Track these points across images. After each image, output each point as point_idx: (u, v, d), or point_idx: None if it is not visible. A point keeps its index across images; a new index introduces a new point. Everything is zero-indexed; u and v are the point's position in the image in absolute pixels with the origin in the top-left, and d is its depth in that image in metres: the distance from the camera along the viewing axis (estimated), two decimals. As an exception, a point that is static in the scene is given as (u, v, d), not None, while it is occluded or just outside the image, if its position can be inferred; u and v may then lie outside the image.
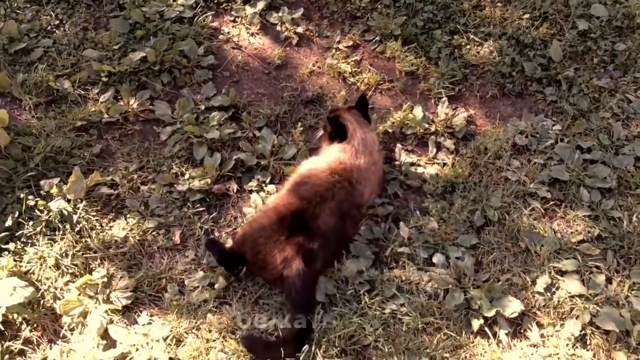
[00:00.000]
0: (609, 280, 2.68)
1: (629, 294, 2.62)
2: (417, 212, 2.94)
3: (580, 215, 2.91)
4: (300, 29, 3.73)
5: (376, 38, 3.70)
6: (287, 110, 3.37)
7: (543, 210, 2.94)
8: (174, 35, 3.53)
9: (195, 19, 3.67)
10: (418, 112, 3.33)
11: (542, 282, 2.65)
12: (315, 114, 3.36)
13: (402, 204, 3.00)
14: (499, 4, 3.82)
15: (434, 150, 3.22)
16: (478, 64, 3.59)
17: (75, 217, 2.76)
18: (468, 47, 3.66)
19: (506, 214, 2.91)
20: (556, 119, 3.33)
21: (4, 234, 2.69)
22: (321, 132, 3.14)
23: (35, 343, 2.48)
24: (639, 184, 3.01)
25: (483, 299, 2.55)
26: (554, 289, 2.65)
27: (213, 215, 2.90)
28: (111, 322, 2.52)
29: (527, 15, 3.73)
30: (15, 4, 3.63)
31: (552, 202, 2.96)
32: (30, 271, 2.64)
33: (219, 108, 3.31)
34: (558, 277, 2.68)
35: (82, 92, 3.30)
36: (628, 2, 3.82)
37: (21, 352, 2.46)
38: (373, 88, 3.52)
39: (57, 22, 3.60)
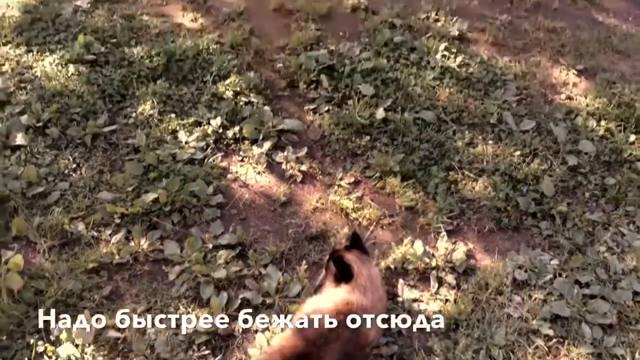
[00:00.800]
0: (618, 423, 2.65)
1: None
2: (422, 352, 2.95)
3: (583, 353, 2.92)
4: (304, 167, 3.93)
5: (376, 174, 3.89)
6: (292, 246, 3.47)
7: (547, 349, 2.95)
8: (185, 176, 3.72)
9: (206, 160, 3.89)
10: (418, 246, 3.44)
11: None
12: (319, 250, 3.47)
13: (407, 343, 3.02)
14: (490, 142, 4.06)
15: (436, 285, 3.29)
16: (474, 199, 3.75)
17: (82, 363, 2.79)
18: (464, 182, 3.84)
19: (511, 352, 2.92)
20: (553, 253, 3.43)
21: (11, 382, 2.71)
22: (323, 273, 3.23)
23: None
24: (639, 319, 3.05)
25: None
26: None
27: (218, 358, 2.92)
28: None
29: (518, 152, 3.95)
30: (36, 149, 3.86)
31: (555, 340, 2.98)
32: (35, 422, 2.63)
33: (226, 246, 3.42)
34: (567, 420, 2.65)
35: (95, 234, 3.43)
36: (614, 137, 4.06)
37: None
38: (374, 223, 3.65)
39: (75, 165, 3.81)
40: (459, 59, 4.69)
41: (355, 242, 3.19)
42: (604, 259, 3.36)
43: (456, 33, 4.92)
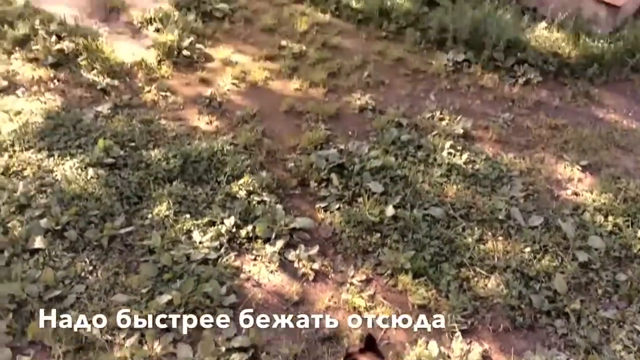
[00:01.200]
0: None
1: None
2: None
3: None
4: (316, 265, 3.97)
5: (388, 272, 3.92)
6: (305, 348, 3.46)
7: None
8: (199, 277, 3.76)
9: (219, 260, 3.94)
10: (433, 347, 3.41)
11: None
12: (333, 351, 3.45)
13: None
14: (500, 238, 4.11)
15: (453, 389, 3.24)
16: (487, 297, 3.75)
17: None
18: (475, 279, 3.86)
19: None
20: (569, 353, 3.40)
21: None
22: (339, 376, 3.20)
23: None
24: None
25: None
26: None
27: None
28: None
29: (528, 249, 3.99)
30: (54, 252, 3.92)
31: None
32: None
33: (239, 349, 3.41)
34: None
35: (109, 338, 3.44)
36: (622, 232, 4.10)
37: None
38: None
39: (91, 268, 3.86)
40: (465, 156, 4.82)
41: (370, 344, 3.17)
42: (621, 358, 3.32)
43: (461, 131, 5.10)
